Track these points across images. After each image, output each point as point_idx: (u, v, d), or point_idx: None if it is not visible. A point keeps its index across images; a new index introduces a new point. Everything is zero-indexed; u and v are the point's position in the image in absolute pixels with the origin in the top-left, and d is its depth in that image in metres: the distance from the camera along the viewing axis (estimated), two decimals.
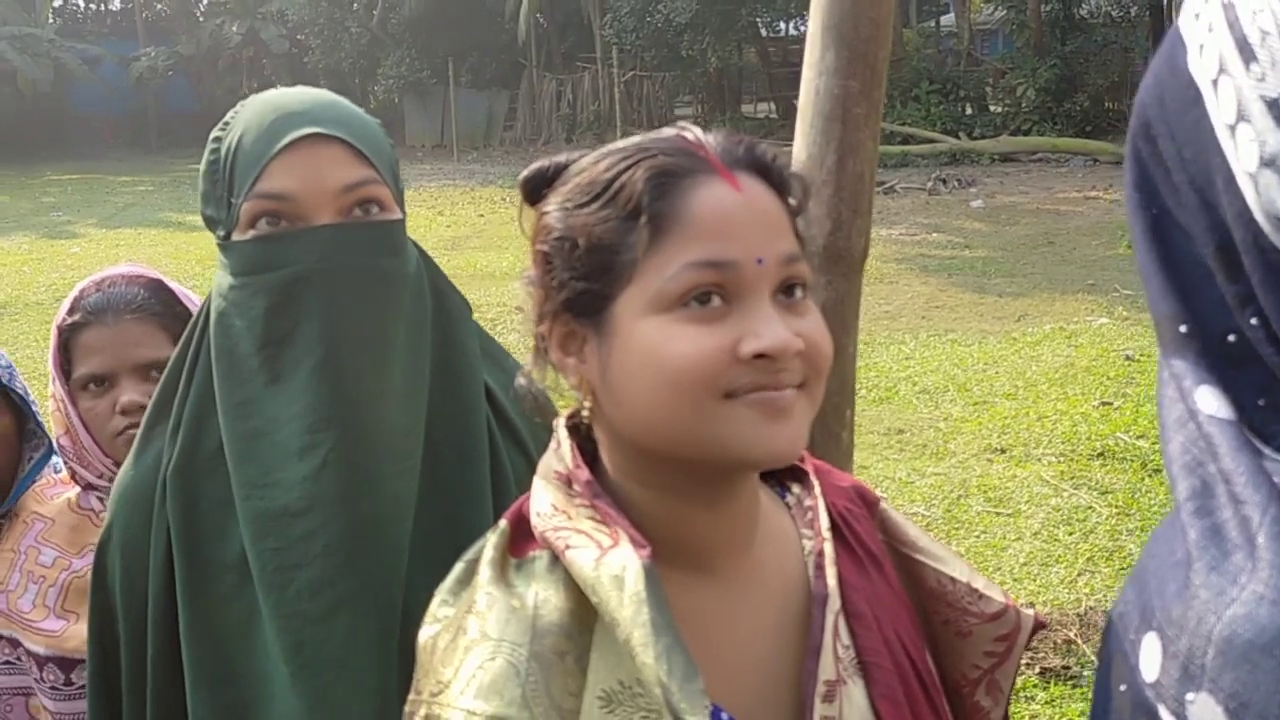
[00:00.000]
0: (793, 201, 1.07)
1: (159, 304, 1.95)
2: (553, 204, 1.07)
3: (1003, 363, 8.54)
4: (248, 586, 1.44)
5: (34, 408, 2.01)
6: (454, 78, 29.64)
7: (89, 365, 1.91)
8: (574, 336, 1.07)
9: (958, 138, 22.07)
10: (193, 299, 1.98)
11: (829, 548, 1.13)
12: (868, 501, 1.24)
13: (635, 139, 1.08)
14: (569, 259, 1.04)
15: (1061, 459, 6.47)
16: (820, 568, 1.12)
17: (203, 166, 1.47)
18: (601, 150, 1.08)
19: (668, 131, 1.08)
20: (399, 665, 1.38)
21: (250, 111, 1.46)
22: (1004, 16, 25.63)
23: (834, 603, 1.10)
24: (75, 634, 1.87)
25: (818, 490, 1.18)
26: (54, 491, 2.04)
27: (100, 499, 1.95)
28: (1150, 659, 0.82)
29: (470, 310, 1.62)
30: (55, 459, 2.05)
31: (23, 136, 32.54)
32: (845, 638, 1.09)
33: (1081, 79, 22.78)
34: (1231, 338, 0.81)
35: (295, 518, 1.40)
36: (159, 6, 39.64)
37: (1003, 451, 6.70)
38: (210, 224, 1.49)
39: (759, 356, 0.98)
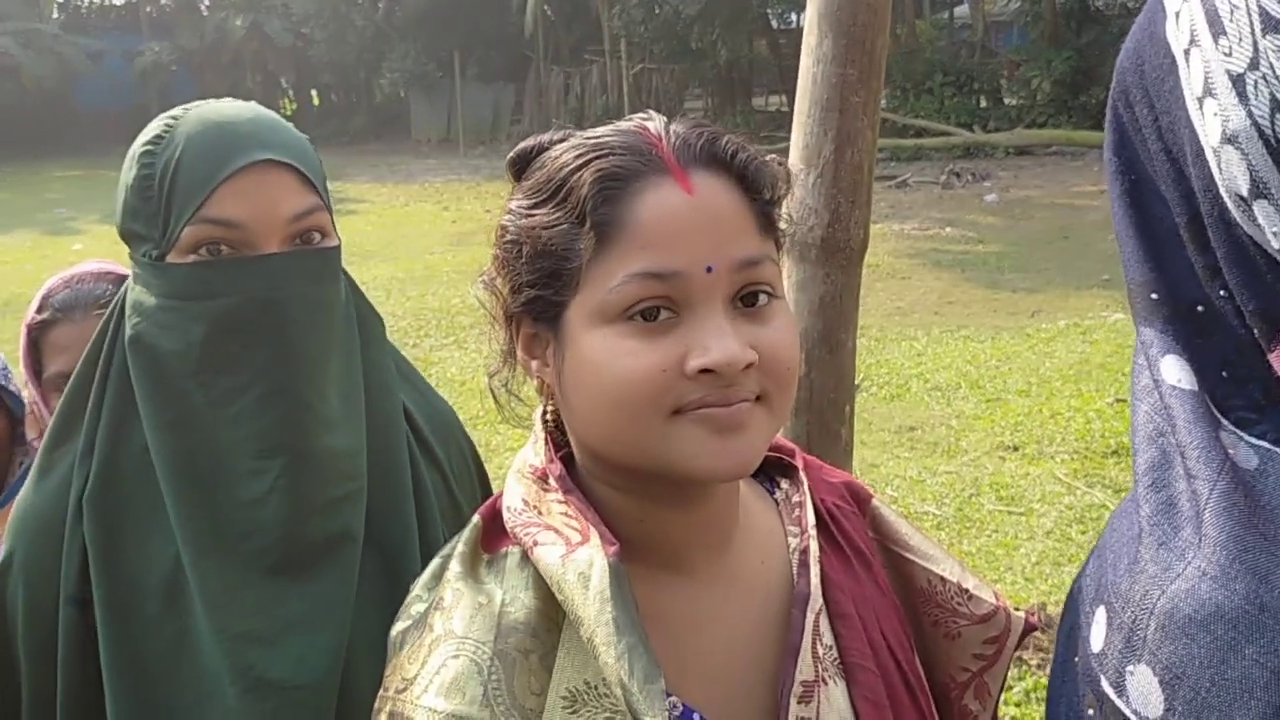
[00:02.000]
0: (768, 195, 1.02)
1: None
2: (511, 203, 1.06)
3: (1016, 359, 8.50)
4: (174, 611, 1.41)
5: (26, 411, 2.01)
6: (460, 71, 29.67)
7: (58, 363, 1.92)
8: (537, 339, 1.05)
9: (972, 131, 21.97)
10: None
11: (814, 545, 1.11)
12: (859, 498, 1.23)
13: (601, 130, 1.05)
14: (521, 264, 1.03)
15: (1075, 456, 6.43)
16: (804, 566, 1.10)
17: (130, 180, 1.42)
18: (571, 140, 1.05)
19: (633, 121, 1.05)
20: (347, 687, 1.39)
21: (190, 128, 1.41)
22: (1019, 8, 25.57)
23: (815, 603, 1.08)
24: None
25: (806, 487, 1.16)
26: None
27: None
28: (1098, 631, 0.84)
29: (384, 328, 1.62)
30: None
31: (27, 132, 32.78)
32: (828, 638, 1.08)
33: (1097, 71, 22.59)
34: (1200, 308, 0.82)
35: (240, 539, 1.39)
36: (162, 1, 39.75)
37: (1015, 449, 6.67)
38: (133, 240, 1.44)
39: (705, 372, 0.95)
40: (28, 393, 1.97)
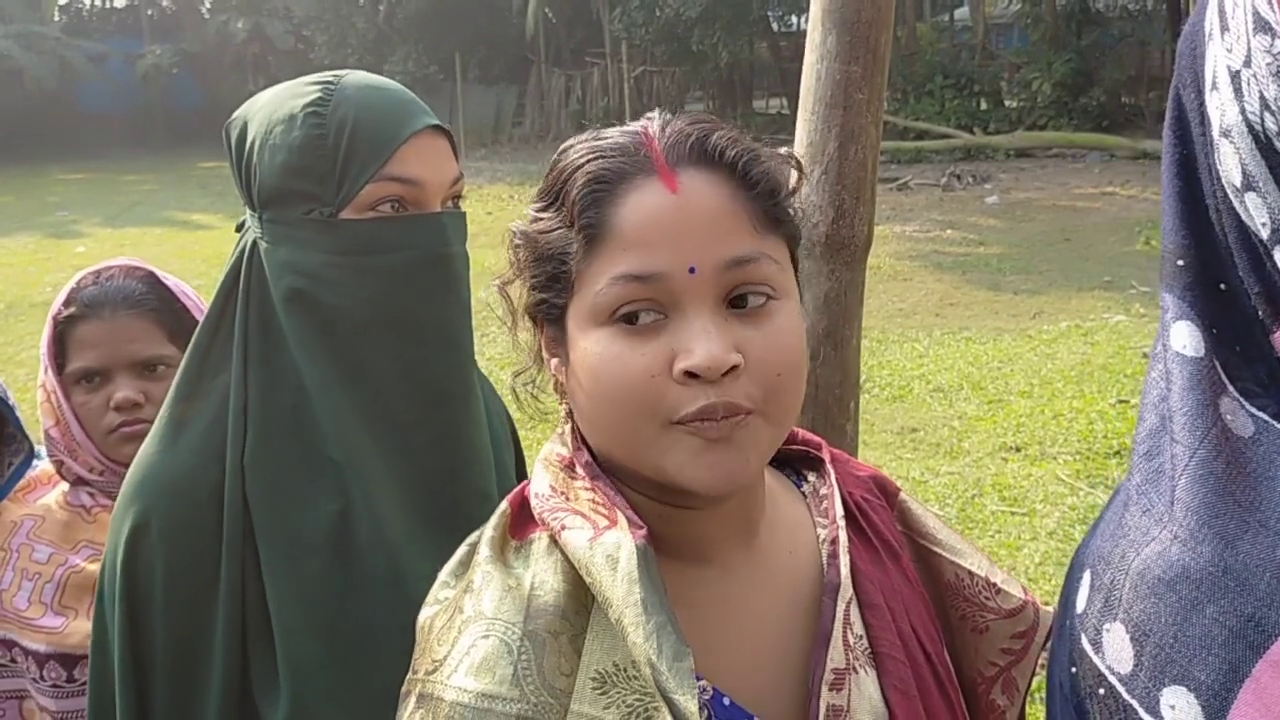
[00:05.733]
0: (769, 190, 1.00)
1: (156, 299, 1.95)
2: (527, 208, 1.07)
3: (1018, 360, 8.49)
4: (340, 565, 1.44)
5: (15, 412, 1.97)
6: (461, 73, 29.55)
7: (83, 360, 1.92)
8: (555, 339, 1.06)
9: (972, 133, 21.91)
10: (189, 294, 1.99)
11: (843, 536, 1.11)
12: (887, 492, 1.23)
13: (608, 130, 1.05)
14: (525, 268, 1.05)
15: (1077, 457, 6.42)
16: (833, 556, 1.10)
17: (296, 140, 1.43)
18: (577, 144, 1.05)
19: (639, 120, 1.05)
20: None
21: (354, 92, 1.46)
22: (1019, 10, 25.49)
23: (845, 591, 1.08)
24: (76, 630, 1.86)
25: (833, 479, 1.16)
26: (34, 495, 2.01)
27: (91, 494, 1.96)
28: (1083, 593, 0.88)
29: None
30: (35, 460, 2.02)
31: (29, 135, 32.51)
32: (858, 627, 1.08)
33: (1098, 73, 22.58)
34: (1223, 286, 0.84)
35: (411, 486, 1.46)
36: (164, 3, 39.84)
37: (1018, 450, 6.66)
38: (293, 199, 1.45)
39: (692, 376, 0.94)
40: (43, 379, 1.95)
